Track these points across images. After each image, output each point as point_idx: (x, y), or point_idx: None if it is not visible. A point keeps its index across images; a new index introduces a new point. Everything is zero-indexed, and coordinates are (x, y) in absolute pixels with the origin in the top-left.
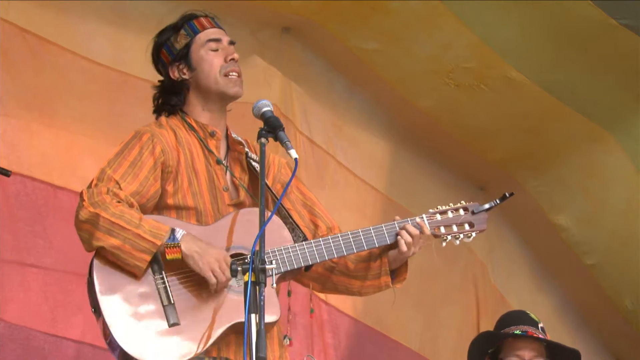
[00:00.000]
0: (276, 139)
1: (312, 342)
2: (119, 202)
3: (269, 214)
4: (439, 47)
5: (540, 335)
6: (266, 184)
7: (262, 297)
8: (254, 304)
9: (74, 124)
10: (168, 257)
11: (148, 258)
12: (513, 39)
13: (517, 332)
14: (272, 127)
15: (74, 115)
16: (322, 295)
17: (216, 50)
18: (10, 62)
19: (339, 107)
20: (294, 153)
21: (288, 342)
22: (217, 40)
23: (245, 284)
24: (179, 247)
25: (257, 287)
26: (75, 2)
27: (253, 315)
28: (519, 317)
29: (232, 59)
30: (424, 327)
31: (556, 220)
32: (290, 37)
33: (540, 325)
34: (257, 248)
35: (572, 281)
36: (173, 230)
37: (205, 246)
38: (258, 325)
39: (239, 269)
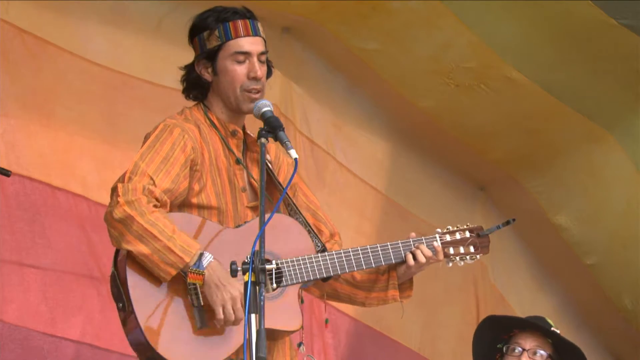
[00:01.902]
0: (276, 139)
1: (312, 342)
2: (155, 205)
3: (288, 217)
4: (439, 47)
5: (551, 327)
6: (280, 185)
7: (262, 297)
8: (254, 304)
9: (72, 125)
10: (189, 280)
11: (174, 272)
12: (513, 39)
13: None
14: (272, 127)
15: (73, 116)
16: None
17: (243, 62)
18: (9, 63)
19: (339, 107)
20: (293, 153)
21: (304, 350)
22: (246, 54)
23: (247, 284)
24: (203, 274)
25: (257, 287)
26: (74, 2)
27: (253, 315)
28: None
29: (254, 77)
30: (424, 327)
31: (556, 220)
32: (290, 37)
33: (553, 328)
34: (257, 248)
35: (572, 281)
36: (201, 255)
37: (226, 280)
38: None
39: (239, 268)
